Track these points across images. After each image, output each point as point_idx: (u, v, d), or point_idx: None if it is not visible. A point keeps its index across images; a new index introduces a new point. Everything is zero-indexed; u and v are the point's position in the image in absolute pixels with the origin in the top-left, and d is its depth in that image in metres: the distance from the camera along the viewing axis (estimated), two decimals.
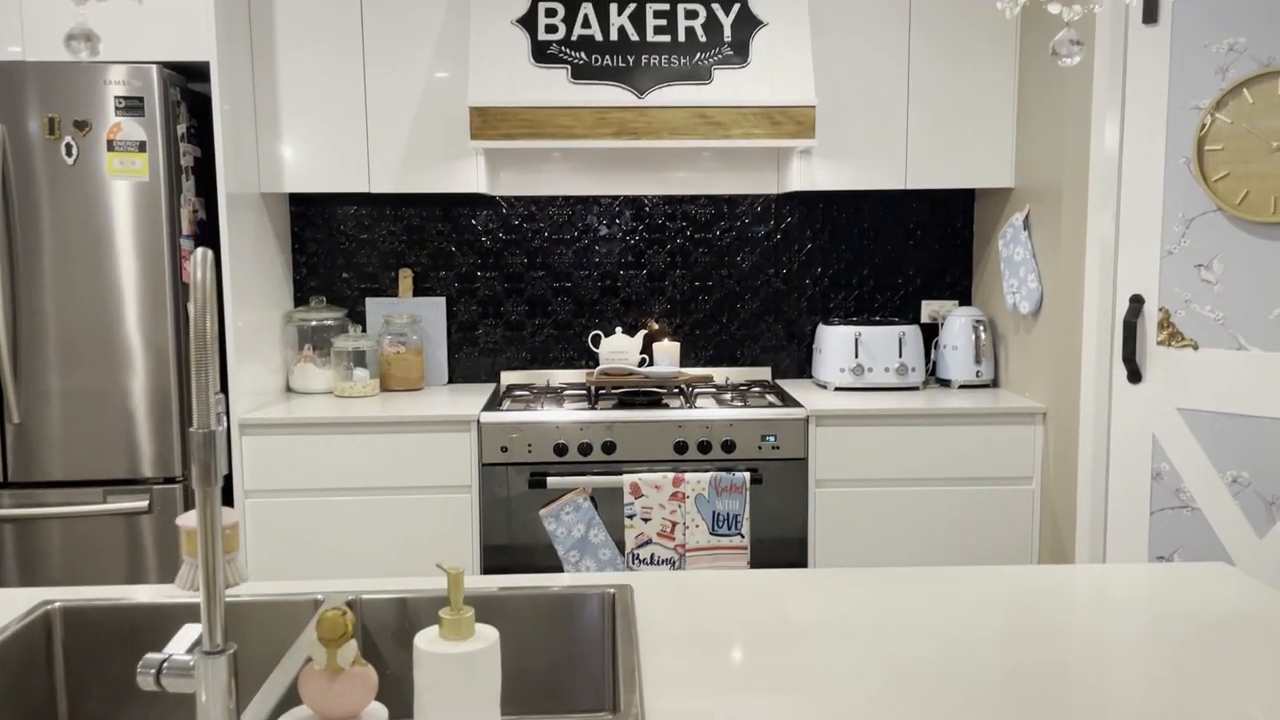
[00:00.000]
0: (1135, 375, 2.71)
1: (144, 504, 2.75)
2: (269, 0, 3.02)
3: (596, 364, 3.46)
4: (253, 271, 3.02)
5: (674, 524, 2.86)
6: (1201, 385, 2.62)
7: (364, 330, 3.40)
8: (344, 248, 3.43)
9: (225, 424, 1.40)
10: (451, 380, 3.48)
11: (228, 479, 2.94)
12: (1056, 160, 2.91)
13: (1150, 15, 2.62)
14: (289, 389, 3.28)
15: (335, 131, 3.08)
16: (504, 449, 2.90)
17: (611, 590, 1.47)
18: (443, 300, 3.43)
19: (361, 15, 3.04)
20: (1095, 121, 2.73)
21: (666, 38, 2.93)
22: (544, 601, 1.47)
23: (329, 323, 3.27)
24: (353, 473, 2.91)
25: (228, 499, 2.93)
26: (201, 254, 1.04)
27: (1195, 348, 2.63)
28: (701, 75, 2.91)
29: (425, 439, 2.91)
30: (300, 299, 3.42)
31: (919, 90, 3.14)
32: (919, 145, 3.16)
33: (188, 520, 1.09)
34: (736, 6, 2.97)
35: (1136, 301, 2.70)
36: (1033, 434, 3.00)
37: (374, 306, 3.41)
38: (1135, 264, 2.71)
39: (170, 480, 2.77)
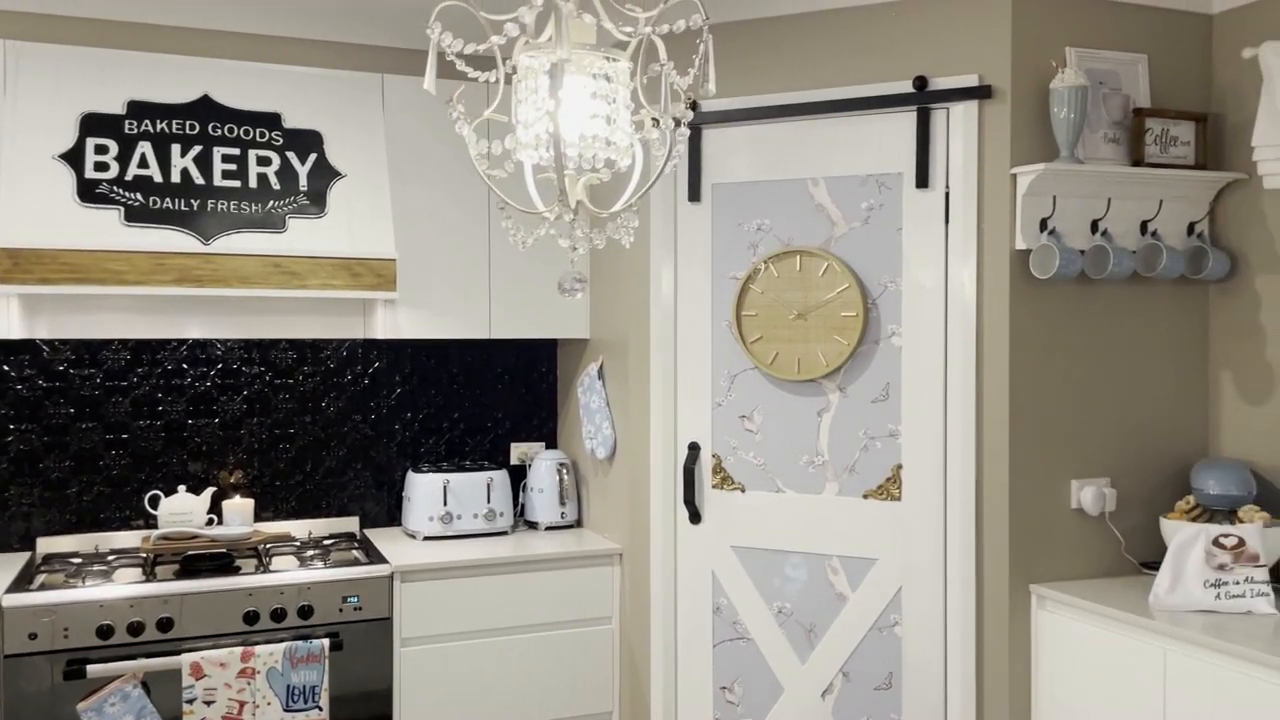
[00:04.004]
0: (695, 516, 2.94)
1: None
2: None
3: (156, 526, 3.13)
4: None
5: (242, 704, 2.61)
6: (750, 525, 2.90)
7: None
8: None
9: None
10: None
11: None
12: (622, 316, 3.14)
13: (694, 195, 2.94)
14: None
15: None
16: (33, 636, 2.50)
17: None
18: None
19: None
20: (654, 283, 2.99)
21: (236, 183, 2.81)
22: None
23: None
24: None
25: None
26: None
27: (743, 490, 2.91)
28: (275, 224, 2.81)
29: None
30: None
31: (500, 244, 3.26)
32: (501, 296, 3.26)
33: None
34: (313, 156, 2.92)
35: (694, 448, 2.95)
36: (612, 574, 3.13)
37: None
38: (692, 413, 2.96)
39: None
